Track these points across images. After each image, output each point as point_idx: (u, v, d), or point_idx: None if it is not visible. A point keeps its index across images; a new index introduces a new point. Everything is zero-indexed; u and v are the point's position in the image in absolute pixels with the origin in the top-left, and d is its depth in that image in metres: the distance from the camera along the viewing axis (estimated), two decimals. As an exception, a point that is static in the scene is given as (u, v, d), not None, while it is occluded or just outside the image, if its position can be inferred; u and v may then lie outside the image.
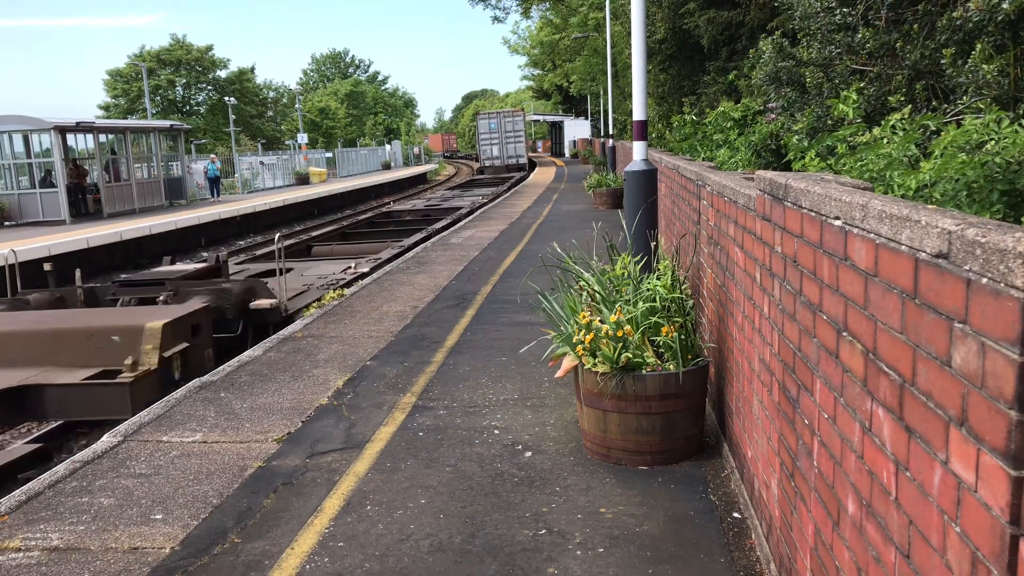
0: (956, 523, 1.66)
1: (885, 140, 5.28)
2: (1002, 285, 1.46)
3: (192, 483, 4.87)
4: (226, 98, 63.04)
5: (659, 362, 4.86)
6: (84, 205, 25.24)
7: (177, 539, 4.18)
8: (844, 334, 2.40)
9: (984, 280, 1.53)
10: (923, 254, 1.80)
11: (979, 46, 5.94)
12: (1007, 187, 3.92)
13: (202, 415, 6.09)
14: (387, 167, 63.50)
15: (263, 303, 9.56)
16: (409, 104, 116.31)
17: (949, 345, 1.68)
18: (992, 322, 1.50)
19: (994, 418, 1.49)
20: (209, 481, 4.90)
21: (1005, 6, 5.31)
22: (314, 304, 10.21)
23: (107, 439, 5.65)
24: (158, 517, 4.44)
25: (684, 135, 15.61)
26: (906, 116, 5.62)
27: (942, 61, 6.52)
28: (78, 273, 10.25)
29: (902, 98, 6.87)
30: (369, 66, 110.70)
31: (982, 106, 5.77)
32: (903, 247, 1.92)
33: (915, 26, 7.30)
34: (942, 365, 1.72)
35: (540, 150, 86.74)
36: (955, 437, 1.66)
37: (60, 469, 5.15)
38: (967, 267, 1.60)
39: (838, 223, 2.43)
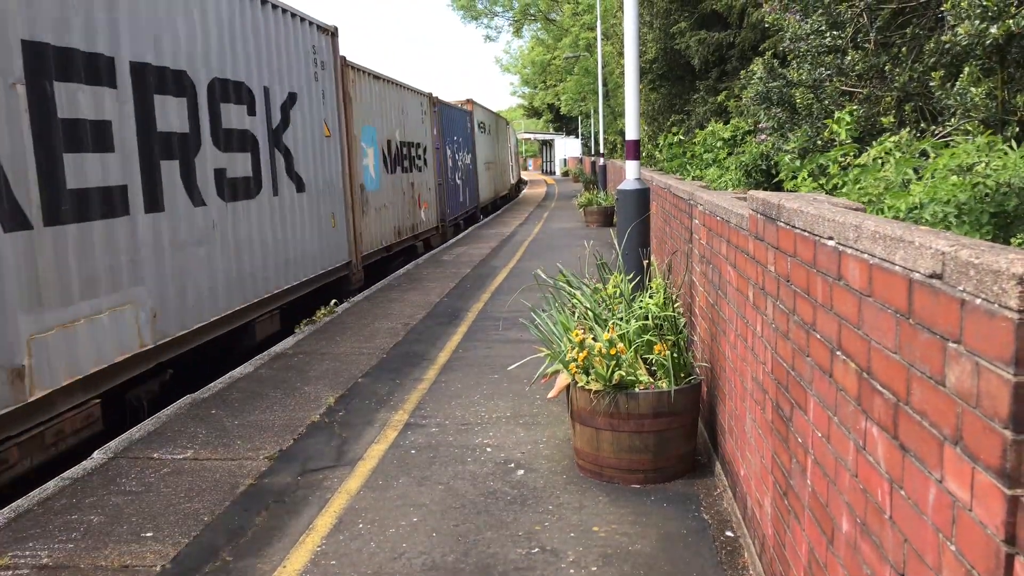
0: (951, 541, 1.67)
1: (881, 163, 5.34)
2: (996, 306, 1.48)
3: (183, 500, 4.84)
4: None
5: (652, 380, 4.87)
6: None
7: (168, 557, 4.14)
8: (838, 353, 2.42)
9: (978, 300, 1.55)
10: (917, 274, 1.83)
11: (967, 69, 6.03)
12: (997, 209, 3.97)
13: (193, 432, 6.06)
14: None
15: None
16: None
17: (943, 365, 1.70)
18: (986, 342, 1.52)
19: (989, 437, 1.51)
20: (200, 498, 4.86)
21: (993, 31, 5.40)
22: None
23: (97, 456, 5.61)
24: (149, 535, 4.40)
25: (672, 155, 15.74)
26: (903, 139, 5.69)
27: (931, 84, 6.61)
28: None
29: (893, 120, 6.95)
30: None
31: (970, 128, 5.85)
32: (897, 267, 1.95)
33: (903, 49, 7.40)
34: (936, 384, 1.74)
35: (531, 168, 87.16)
36: (950, 456, 1.68)
37: (50, 486, 5.11)
38: (961, 287, 1.62)
39: (831, 243, 2.46)
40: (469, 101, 27.33)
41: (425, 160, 18.89)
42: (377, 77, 14.92)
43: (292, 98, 10.59)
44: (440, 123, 20.94)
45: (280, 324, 9.86)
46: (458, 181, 23.61)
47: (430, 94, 19.86)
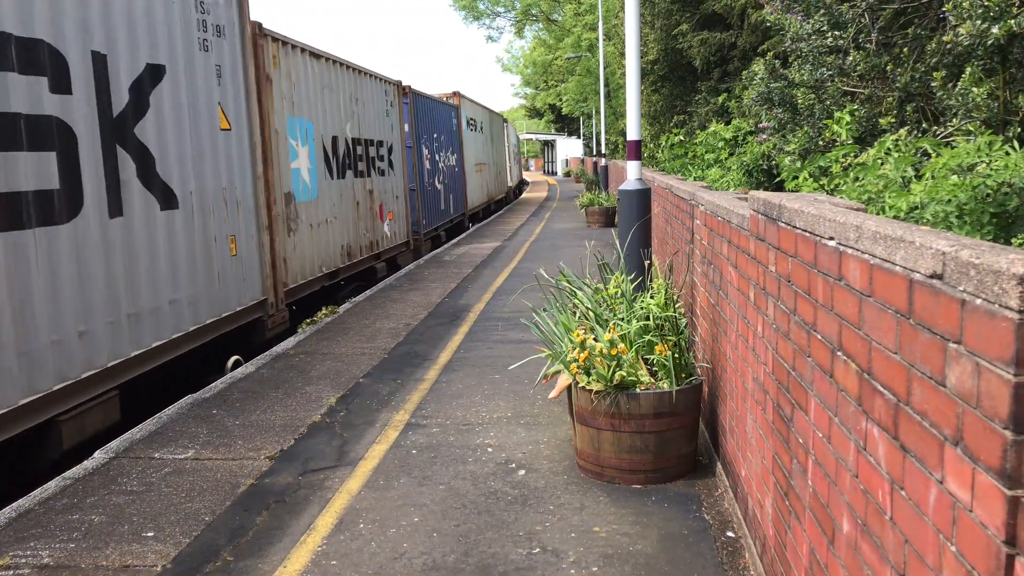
0: (952, 542, 1.67)
1: (881, 162, 5.34)
2: (996, 306, 1.48)
3: (184, 500, 4.85)
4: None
5: (653, 380, 4.87)
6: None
7: (169, 557, 4.15)
8: (839, 353, 2.41)
9: (979, 301, 1.55)
10: (917, 275, 1.83)
11: (969, 70, 6.02)
12: (998, 209, 3.96)
13: (194, 432, 6.06)
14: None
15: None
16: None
17: (944, 365, 1.70)
18: (987, 342, 1.52)
19: (989, 438, 1.51)
20: (201, 498, 4.87)
21: (995, 31, 5.39)
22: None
23: (99, 456, 5.62)
24: (149, 535, 4.41)
25: (674, 155, 15.77)
26: (902, 138, 5.69)
27: (932, 84, 6.61)
28: None
29: (893, 120, 6.95)
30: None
31: (972, 128, 5.85)
32: (897, 267, 1.94)
33: (905, 49, 7.40)
34: (937, 385, 1.73)
35: (533, 168, 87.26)
36: (950, 456, 1.68)
37: (51, 486, 5.12)
38: (961, 288, 1.62)
39: (832, 243, 2.46)
40: (456, 94, 23.82)
41: (391, 162, 15.42)
42: (317, 56, 11.53)
43: (155, 73, 7.24)
44: (414, 118, 17.57)
45: (121, 413, 6.60)
46: (438, 186, 20.14)
47: (399, 82, 16.31)
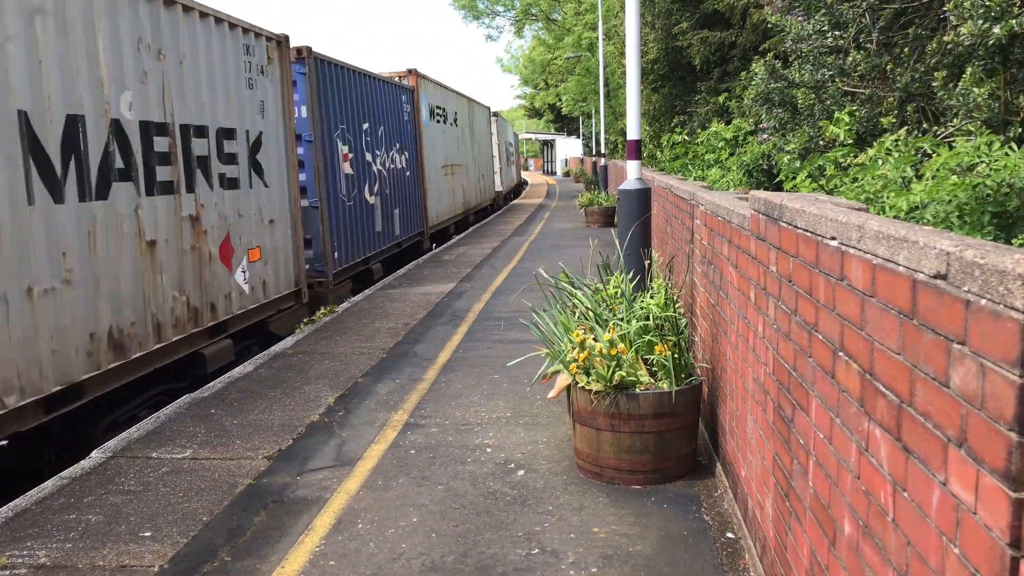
0: (955, 544, 1.65)
1: (880, 162, 5.33)
2: (1001, 306, 1.47)
3: (182, 500, 4.83)
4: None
5: (653, 381, 4.86)
6: None
7: (166, 557, 4.13)
8: (840, 354, 2.40)
9: (983, 301, 1.53)
10: (921, 275, 1.81)
11: (970, 70, 6.01)
12: (998, 209, 3.95)
13: (192, 431, 6.05)
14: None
15: None
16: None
17: (947, 366, 1.69)
18: (991, 343, 1.50)
19: (994, 439, 1.49)
20: (199, 498, 4.85)
21: (996, 31, 5.38)
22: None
23: (96, 455, 5.60)
24: (147, 534, 4.39)
25: (675, 155, 15.75)
26: (901, 138, 5.67)
27: (933, 84, 6.59)
28: None
29: (894, 120, 6.94)
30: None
31: (972, 128, 5.83)
32: (900, 268, 1.93)
33: (906, 49, 7.39)
34: (940, 386, 1.72)
35: (532, 168, 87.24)
36: (954, 458, 1.66)
37: (48, 485, 5.10)
38: (966, 288, 1.60)
39: (834, 243, 2.44)
40: (412, 72, 18.06)
41: (256, 164, 9.39)
42: None
43: None
44: (319, 96, 11.84)
45: None
46: (370, 198, 14.38)
47: (283, 37, 10.29)
